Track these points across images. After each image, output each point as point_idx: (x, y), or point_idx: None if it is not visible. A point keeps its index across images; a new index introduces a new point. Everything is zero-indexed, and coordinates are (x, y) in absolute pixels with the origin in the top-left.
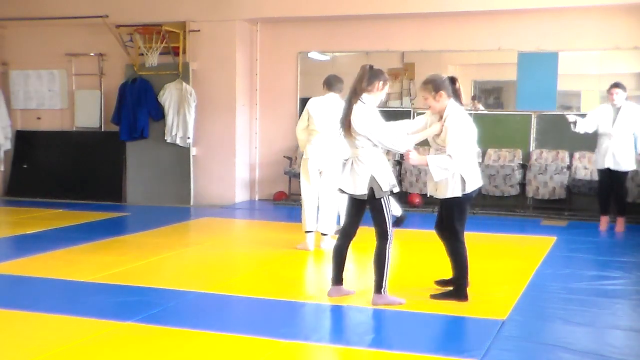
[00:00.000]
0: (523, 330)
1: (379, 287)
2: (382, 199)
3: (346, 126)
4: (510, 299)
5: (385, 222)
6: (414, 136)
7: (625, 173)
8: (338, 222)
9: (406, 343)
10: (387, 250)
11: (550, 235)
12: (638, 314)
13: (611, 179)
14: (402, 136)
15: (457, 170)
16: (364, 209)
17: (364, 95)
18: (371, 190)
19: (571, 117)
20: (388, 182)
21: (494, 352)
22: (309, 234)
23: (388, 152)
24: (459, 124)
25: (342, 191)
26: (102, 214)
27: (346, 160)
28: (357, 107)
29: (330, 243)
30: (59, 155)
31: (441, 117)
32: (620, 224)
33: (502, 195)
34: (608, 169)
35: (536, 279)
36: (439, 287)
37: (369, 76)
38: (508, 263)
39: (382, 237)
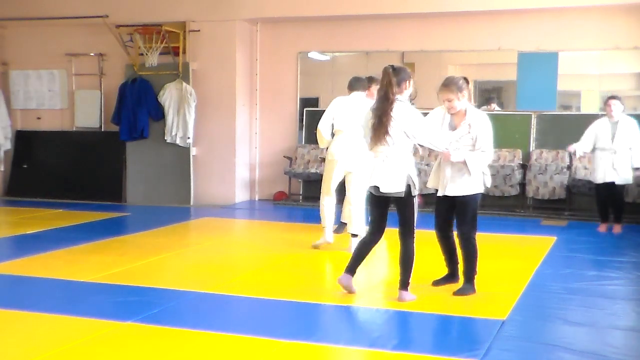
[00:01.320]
0: (523, 330)
1: (405, 284)
2: (414, 198)
3: (383, 130)
4: (510, 299)
5: (414, 221)
6: (448, 136)
7: (623, 186)
8: (367, 224)
9: (406, 343)
10: (414, 248)
11: (550, 235)
12: (638, 314)
13: (609, 191)
14: (441, 135)
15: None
16: (388, 207)
17: (398, 97)
18: (408, 187)
19: (571, 149)
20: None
21: (494, 352)
22: (327, 228)
23: None
24: (486, 121)
25: (377, 190)
26: (102, 214)
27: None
28: (398, 106)
29: None
30: (59, 155)
31: (457, 116)
32: (618, 228)
33: (502, 195)
34: (607, 183)
35: (536, 279)
36: (438, 286)
37: (397, 81)
38: (508, 263)
39: (409, 235)
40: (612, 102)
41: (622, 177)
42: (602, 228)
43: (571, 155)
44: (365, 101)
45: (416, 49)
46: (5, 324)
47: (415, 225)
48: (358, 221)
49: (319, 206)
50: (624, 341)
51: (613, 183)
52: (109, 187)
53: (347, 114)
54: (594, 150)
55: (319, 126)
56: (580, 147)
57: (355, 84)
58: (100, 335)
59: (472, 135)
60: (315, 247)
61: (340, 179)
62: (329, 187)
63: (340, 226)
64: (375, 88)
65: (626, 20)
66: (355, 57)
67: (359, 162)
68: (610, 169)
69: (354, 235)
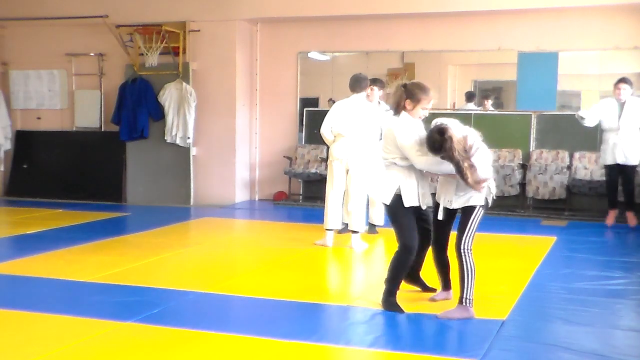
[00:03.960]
0: (523, 330)
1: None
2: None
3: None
4: (510, 299)
5: None
6: None
7: (634, 167)
8: (367, 221)
9: (406, 343)
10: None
11: (550, 235)
12: (638, 314)
13: (619, 174)
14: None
15: None
16: None
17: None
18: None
19: (580, 112)
20: None
21: (494, 352)
22: (329, 232)
23: None
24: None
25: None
26: (102, 214)
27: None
28: None
29: (360, 242)
30: (59, 155)
31: None
32: (632, 218)
33: (502, 195)
34: (616, 164)
35: (536, 279)
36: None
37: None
38: (508, 263)
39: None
40: (622, 85)
41: (630, 158)
42: (611, 218)
43: (579, 118)
44: (364, 103)
45: (416, 49)
46: (5, 324)
47: None
48: (359, 218)
49: (318, 206)
50: (624, 341)
51: (622, 165)
52: (109, 187)
53: (346, 118)
54: (602, 132)
55: (321, 130)
56: (587, 114)
57: (354, 85)
58: (100, 335)
59: None
60: (317, 245)
61: (342, 178)
62: (331, 183)
63: (344, 228)
64: (374, 90)
65: (626, 20)
66: (355, 57)
67: (359, 161)
68: (618, 149)
69: (355, 232)
